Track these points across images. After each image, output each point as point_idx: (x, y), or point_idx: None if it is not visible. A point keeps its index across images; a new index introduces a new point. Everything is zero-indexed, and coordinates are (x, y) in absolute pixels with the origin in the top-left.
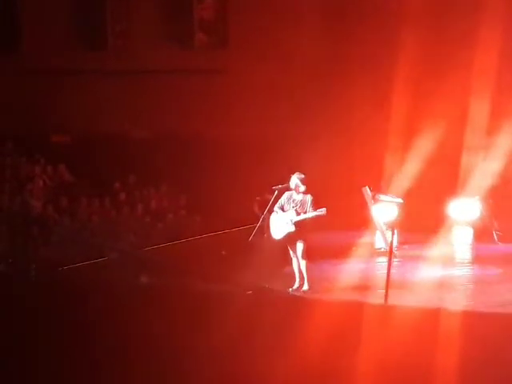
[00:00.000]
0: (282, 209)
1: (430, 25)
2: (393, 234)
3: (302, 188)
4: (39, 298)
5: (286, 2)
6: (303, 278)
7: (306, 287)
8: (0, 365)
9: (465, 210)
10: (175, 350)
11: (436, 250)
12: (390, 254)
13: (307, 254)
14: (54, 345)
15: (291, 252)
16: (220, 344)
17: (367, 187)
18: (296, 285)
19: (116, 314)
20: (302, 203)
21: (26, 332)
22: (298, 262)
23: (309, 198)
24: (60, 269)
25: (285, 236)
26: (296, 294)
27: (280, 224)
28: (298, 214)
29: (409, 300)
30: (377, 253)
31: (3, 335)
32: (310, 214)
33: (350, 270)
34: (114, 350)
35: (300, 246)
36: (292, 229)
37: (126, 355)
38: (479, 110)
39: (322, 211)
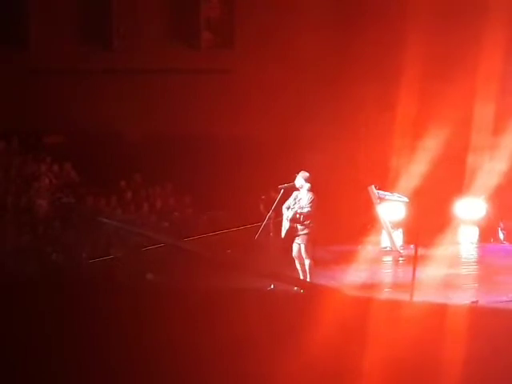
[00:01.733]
0: (288, 209)
1: (437, 27)
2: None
3: (307, 186)
4: (45, 297)
5: (294, 1)
6: (306, 276)
7: None
8: (10, 363)
9: (471, 210)
10: (183, 348)
11: (442, 249)
12: (415, 252)
13: (311, 254)
14: (59, 344)
15: (294, 250)
16: (226, 343)
17: (373, 186)
18: None
19: (122, 312)
20: (302, 201)
21: (30, 330)
22: (302, 261)
23: (309, 195)
24: (66, 267)
25: (285, 234)
26: (300, 292)
27: (284, 223)
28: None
29: (415, 299)
30: (383, 252)
31: (9, 334)
32: (293, 210)
33: (356, 269)
34: (120, 349)
35: (302, 245)
36: (287, 226)
37: (130, 353)
38: (485, 110)
39: (304, 208)
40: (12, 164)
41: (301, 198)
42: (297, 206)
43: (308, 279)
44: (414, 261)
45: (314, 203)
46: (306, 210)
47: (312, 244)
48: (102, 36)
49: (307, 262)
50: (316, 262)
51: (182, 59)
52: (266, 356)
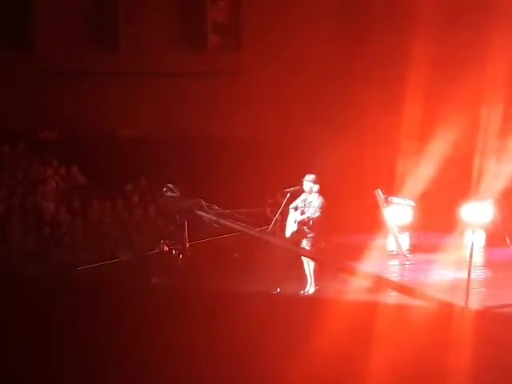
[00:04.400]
0: (296, 209)
1: (443, 28)
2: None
3: (316, 188)
4: (51, 300)
5: (300, 4)
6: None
7: (312, 289)
8: (12, 366)
9: (477, 214)
10: (187, 352)
11: (448, 253)
12: (470, 256)
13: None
14: (62, 347)
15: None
16: (232, 346)
17: (380, 190)
18: (308, 287)
19: (127, 315)
20: (311, 204)
21: (36, 333)
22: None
23: (318, 199)
24: (72, 270)
25: (291, 236)
26: (308, 296)
27: (289, 224)
28: (303, 214)
29: (421, 302)
30: (389, 255)
31: (14, 336)
32: (305, 215)
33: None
34: (125, 352)
35: (307, 248)
36: (295, 228)
37: (137, 356)
38: (492, 112)
39: (315, 214)
40: (19, 166)
41: (311, 201)
42: (306, 209)
43: (312, 282)
44: (469, 266)
45: (324, 207)
46: (316, 214)
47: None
48: (109, 38)
49: (311, 264)
50: (322, 265)
51: (189, 61)
52: (271, 360)
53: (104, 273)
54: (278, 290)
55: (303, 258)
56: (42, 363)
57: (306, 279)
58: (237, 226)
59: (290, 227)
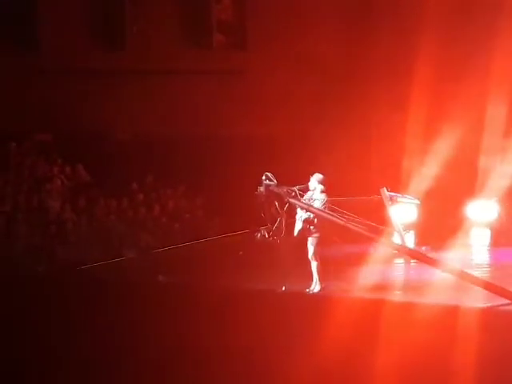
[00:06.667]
0: (302, 209)
1: (449, 28)
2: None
3: (320, 188)
4: (57, 298)
5: (305, 3)
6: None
7: (316, 288)
8: (19, 364)
9: (483, 212)
10: (194, 351)
11: (454, 251)
12: None
13: (319, 255)
14: (69, 344)
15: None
16: (237, 344)
17: (385, 188)
18: (313, 285)
19: (134, 313)
20: (316, 202)
21: (41, 331)
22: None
23: (322, 197)
24: (78, 268)
25: (298, 234)
26: (314, 294)
27: (297, 223)
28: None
29: (426, 300)
30: (394, 253)
31: (21, 334)
32: (306, 214)
33: (367, 271)
34: (130, 350)
35: (311, 247)
36: (300, 226)
37: (143, 355)
38: (497, 111)
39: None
40: (24, 165)
41: (315, 200)
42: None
43: (316, 281)
44: None
45: (327, 205)
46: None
47: (320, 246)
48: (115, 36)
49: (315, 263)
50: (328, 263)
51: (194, 60)
52: (277, 357)
53: (110, 271)
54: (284, 288)
55: (309, 257)
56: (46, 361)
57: (312, 278)
58: (324, 214)
59: (298, 226)
